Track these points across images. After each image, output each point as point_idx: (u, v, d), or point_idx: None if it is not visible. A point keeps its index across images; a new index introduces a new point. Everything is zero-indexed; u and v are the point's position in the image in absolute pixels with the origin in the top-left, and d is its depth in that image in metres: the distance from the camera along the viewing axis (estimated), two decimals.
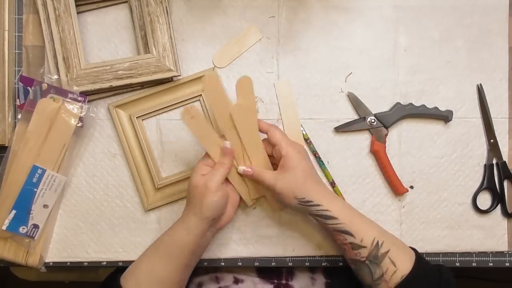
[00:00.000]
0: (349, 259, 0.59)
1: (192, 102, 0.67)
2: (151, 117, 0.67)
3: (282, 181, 0.58)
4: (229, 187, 0.63)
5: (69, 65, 0.64)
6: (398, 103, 0.67)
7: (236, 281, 0.70)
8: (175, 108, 0.67)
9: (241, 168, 0.61)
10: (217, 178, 0.58)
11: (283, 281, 0.70)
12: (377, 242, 0.56)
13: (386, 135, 0.67)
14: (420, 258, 0.57)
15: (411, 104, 0.67)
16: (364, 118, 0.67)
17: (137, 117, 0.66)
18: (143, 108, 0.66)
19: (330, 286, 0.71)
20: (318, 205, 0.57)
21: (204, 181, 0.58)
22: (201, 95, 0.67)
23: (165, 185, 0.66)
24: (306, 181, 0.57)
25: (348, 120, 0.68)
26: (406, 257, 0.56)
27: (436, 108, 0.67)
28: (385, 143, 0.67)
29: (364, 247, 0.56)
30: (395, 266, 0.55)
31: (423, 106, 0.67)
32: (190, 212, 0.58)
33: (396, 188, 0.66)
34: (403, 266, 0.55)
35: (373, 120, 0.67)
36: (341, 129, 0.67)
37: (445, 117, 0.67)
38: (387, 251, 0.56)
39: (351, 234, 0.57)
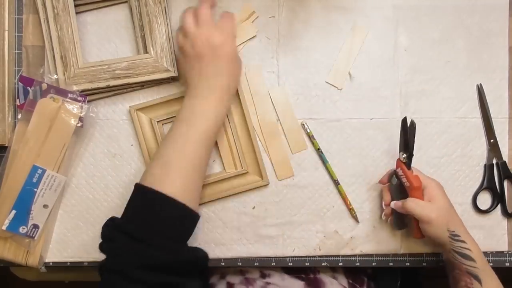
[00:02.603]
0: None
1: None
2: (172, 122, 0.65)
3: (438, 211, 0.56)
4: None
5: (67, 64, 0.64)
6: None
7: (263, 275, 0.70)
8: None
9: (393, 202, 0.62)
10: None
11: (311, 275, 0.70)
12: (487, 260, 0.56)
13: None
14: None
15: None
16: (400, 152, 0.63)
17: (157, 121, 0.66)
18: (164, 112, 0.66)
19: (352, 287, 0.71)
20: (464, 242, 0.55)
21: (234, 46, 0.59)
22: None
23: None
24: (452, 211, 0.57)
25: (348, 120, 0.68)
26: (494, 284, 0.56)
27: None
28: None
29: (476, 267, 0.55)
30: None
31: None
32: (228, 88, 0.58)
33: (415, 232, 0.62)
34: None
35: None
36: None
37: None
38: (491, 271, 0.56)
39: (480, 282, 0.54)
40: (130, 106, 0.66)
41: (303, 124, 0.67)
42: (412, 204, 0.58)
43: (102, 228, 0.55)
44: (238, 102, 0.66)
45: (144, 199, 0.54)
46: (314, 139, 0.67)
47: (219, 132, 0.65)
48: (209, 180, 0.66)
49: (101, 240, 0.54)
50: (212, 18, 0.59)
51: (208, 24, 0.58)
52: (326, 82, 0.67)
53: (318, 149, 0.67)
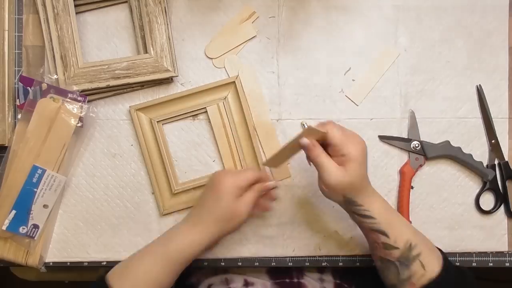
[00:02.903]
0: (377, 257, 0.58)
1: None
2: (171, 122, 0.67)
3: (340, 179, 0.55)
4: None
5: (67, 64, 0.64)
6: (448, 141, 0.67)
7: (246, 284, 0.70)
8: (196, 114, 0.67)
9: (305, 141, 0.56)
10: (250, 206, 0.60)
11: (295, 280, 0.70)
12: (410, 244, 0.55)
13: (422, 165, 0.67)
14: (446, 260, 0.56)
15: (459, 148, 0.67)
16: (410, 140, 0.67)
17: (157, 121, 0.66)
18: (164, 112, 0.66)
19: (339, 286, 0.71)
20: (361, 205, 0.56)
21: (243, 209, 0.59)
22: (222, 103, 0.66)
23: (182, 191, 0.66)
24: (360, 186, 0.56)
25: (348, 120, 0.68)
26: (435, 260, 0.55)
27: (481, 162, 0.67)
28: (416, 171, 0.67)
29: (397, 248, 0.55)
30: (424, 269, 0.54)
31: (470, 155, 0.67)
32: (211, 229, 0.59)
33: (402, 215, 0.66)
34: (432, 269, 0.55)
35: (417, 145, 0.67)
36: (385, 139, 0.67)
37: (484, 174, 0.67)
38: (419, 254, 0.55)
39: (386, 235, 0.56)
40: (130, 106, 0.66)
41: (303, 124, 0.67)
42: (323, 162, 0.55)
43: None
44: (238, 103, 0.67)
45: None
46: None
47: (219, 132, 0.66)
48: (198, 183, 0.66)
49: None
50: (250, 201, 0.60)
51: (248, 200, 0.60)
52: (345, 96, 0.68)
53: None
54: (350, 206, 0.57)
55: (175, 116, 0.66)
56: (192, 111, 0.66)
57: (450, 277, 0.55)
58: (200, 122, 0.67)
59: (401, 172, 0.67)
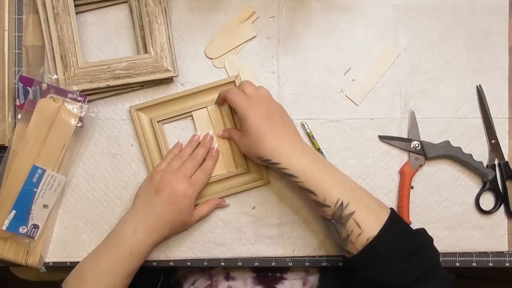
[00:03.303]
0: (320, 216, 0.59)
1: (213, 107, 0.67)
2: (171, 122, 0.67)
3: (242, 142, 0.60)
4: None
5: (67, 64, 0.64)
6: (448, 141, 0.67)
7: (227, 278, 0.72)
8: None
9: (220, 133, 0.66)
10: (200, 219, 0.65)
11: (278, 274, 0.71)
12: (342, 203, 0.54)
13: (422, 165, 0.67)
14: (392, 220, 0.54)
15: (459, 148, 0.67)
16: (410, 140, 0.67)
17: (158, 121, 0.66)
18: (164, 112, 0.66)
19: (323, 277, 0.71)
20: (277, 163, 0.57)
21: (194, 221, 0.64)
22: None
23: None
24: (264, 141, 0.57)
25: (347, 120, 0.68)
26: (374, 219, 0.54)
27: (481, 163, 0.67)
28: (416, 171, 0.67)
29: (328, 206, 0.55)
30: (360, 228, 0.53)
31: (470, 155, 0.67)
32: (163, 235, 0.61)
33: (402, 215, 0.66)
34: (370, 228, 0.53)
35: (417, 145, 0.67)
36: (385, 139, 0.67)
37: (484, 174, 0.67)
38: (352, 213, 0.54)
39: (312, 192, 0.56)
40: (130, 106, 0.66)
41: (303, 124, 0.67)
42: (230, 134, 0.65)
43: None
44: None
45: None
46: (314, 139, 0.67)
47: (219, 132, 0.66)
48: (210, 179, 0.66)
49: None
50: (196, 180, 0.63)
51: (185, 176, 0.62)
52: (345, 96, 0.68)
53: (318, 149, 0.67)
54: (270, 165, 0.58)
55: (175, 116, 0.66)
56: (192, 111, 0.66)
57: (392, 236, 0.54)
58: None
59: (401, 172, 0.67)
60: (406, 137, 0.68)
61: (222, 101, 0.64)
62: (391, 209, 0.57)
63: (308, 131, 0.67)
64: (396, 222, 0.55)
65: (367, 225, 0.53)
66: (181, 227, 0.64)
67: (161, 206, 0.60)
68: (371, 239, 0.53)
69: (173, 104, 0.66)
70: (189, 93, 0.66)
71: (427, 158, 0.67)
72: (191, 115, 0.67)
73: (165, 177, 0.61)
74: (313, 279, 0.72)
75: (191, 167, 0.63)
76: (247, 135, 0.58)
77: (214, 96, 0.66)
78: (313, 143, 0.67)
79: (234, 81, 0.66)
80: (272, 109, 0.60)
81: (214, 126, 0.66)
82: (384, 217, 0.54)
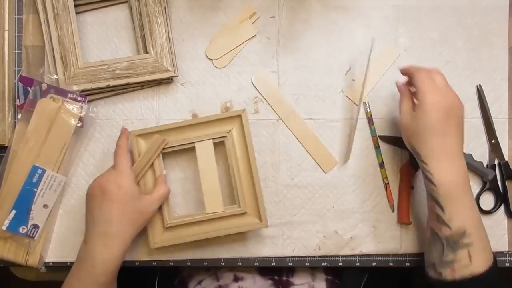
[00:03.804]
0: (429, 226, 0.57)
1: (218, 141, 0.63)
2: (170, 151, 0.64)
3: (408, 120, 0.56)
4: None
5: (67, 64, 0.64)
6: None
7: (236, 279, 0.70)
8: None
9: (399, 83, 0.61)
10: (160, 202, 0.61)
11: (284, 278, 0.70)
12: (465, 231, 0.53)
13: None
14: (495, 265, 0.55)
15: None
16: None
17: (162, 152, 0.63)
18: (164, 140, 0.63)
19: (331, 282, 0.71)
20: (425, 163, 0.55)
21: (154, 206, 0.60)
22: (226, 136, 0.63)
23: (175, 225, 0.63)
24: (426, 135, 0.55)
25: (348, 120, 0.68)
26: (484, 258, 0.54)
27: (481, 163, 0.67)
28: (416, 171, 0.66)
29: (449, 227, 0.54)
30: (470, 261, 0.53)
31: (470, 155, 0.67)
32: (128, 237, 0.57)
33: (401, 215, 0.66)
34: (478, 265, 0.53)
35: None
36: (385, 139, 0.67)
37: (484, 174, 0.67)
38: (469, 244, 0.53)
39: (441, 208, 0.54)
40: (130, 132, 0.63)
41: (365, 103, 0.67)
42: (402, 104, 0.59)
43: None
44: (243, 140, 0.63)
45: None
46: (373, 124, 0.67)
47: (213, 173, 0.63)
48: (206, 217, 0.63)
49: None
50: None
51: (109, 171, 0.59)
52: (346, 96, 0.68)
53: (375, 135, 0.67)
54: (416, 157, 0.56)
55: (177, 146, 0.63)
56: (196, 142, 0.63)
57: (492, 281, 0.54)
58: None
59: (401, 172, 0.67)
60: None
61: (406, 73, 0.60)
62: (494, 254, 0.57)
63: (368, 110, 0.67)
64: (496, 269, 0.55)
65: (478, 261, 0.53)
66: (141, 218, 0.59)
67: (102, 209, 0.57)
68: (475, 275, 0.53)
69: (173, 132, 0.63)
70: (193, 123, 0.63)
71: None
72: (194, 146, 0.63)
73: (92, 184, 0.58)
74: (319, 285, 0.72)
75: (114, 160, 0.60)
76: (417, 119, 0.55)
77: (219, 128, 0.63)
78: (370, 129, 0.67)
79: (240, 115, 0.62)
80: (454, 108, 0.56)
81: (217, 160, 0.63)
82: (490, 257, 0.55)
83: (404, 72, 0.61)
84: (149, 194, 0.60)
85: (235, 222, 0.63)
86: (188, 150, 0.65)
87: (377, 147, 0.67)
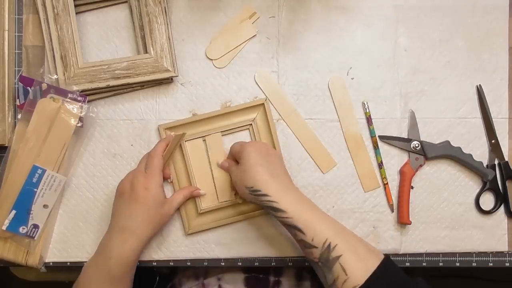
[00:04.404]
0: (306, 259, 0.56)
1: (242, 130, 0.67)
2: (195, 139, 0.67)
3: (236, 171, 0.60)
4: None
5: (67, 64, 0.64)
6: (447, 141, 0.67)
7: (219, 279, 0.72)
8: (224, 135, 0.67)
9: (220, 162, 0.66)
10: (177, 208, 0.64)
11: (271, 278, 0.71)
12: (329, 244, 0.51)
13: (422, 165, 0.67)
14: (382, 268, 0.50)
15: (459, 148, 0.67)
16: (410, 140, 0.67)
17: (186, 141, 0.66)
18: (193, 132, 0.66)
19: (315, 280, 0.72)
20: (266, 195, 0.55)
21: (172, 211, 0.63)
22: (251, 124, 0.66)
23: (208, 211, 0.66)
24: (256, 170, 0.56)
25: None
26: (361, 265, 0.50)
27: (481, 163, 0.67)
28: (416, 171, 0.67)
29: (315, 247, 0.52)
30: (346, 275, 0.49)
31: (470, 155, 0.67)
32: (144, 236, 0.60)
33: (401, 215, 0.66)
34: (356, 275, 0.49)
35: (417, 145, 0.67)
36: (385, 139, 0.67)
37: (484, 174, 0.67)
38: (339, 256, 0.50)
39: (300, 231, 0.53)
40: (159, 125, 0.66)
41: (364, 103, 0.67)
42: (228, 166, 0.64)
43: None
44: (267, 128, 0.66)
45: None
46: (372, 124, 0.67)
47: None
48: (234, 202, 0.66)
49: None
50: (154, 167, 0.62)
51: (140, 171, 0.62)
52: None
53: (373, 134, 0.68)
54: (257, 197, 0.56)
55: (203, 137, 0.66)
56: (218, 132, 0.66)
57: (376, 286, 0.49)
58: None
59: (401, 172, 0.67)
60: (406, 137, 0.68)
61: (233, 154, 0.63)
62: (385, 255, 0.53)
63: (367, 110, 0.67)
64: (386, 271, 0.51)
65: (354, 272, 0.49)
66: (161, 221, 0.62)
67: (127, 206, 0.60)
68: (357, 287, 0.49)
69: (201, 124, 0.66)
70: (218, 114, 0.66)
71: (427, 158, 0.67)
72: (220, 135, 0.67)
73: (124, 180, 0.62)
74: (306, 284, 0.72)
75: (146, 162, 0.62)
76: (241, 164, 0.58)
77: (243, 117, 0.67)
78: (370, 129, 0.67)
79: (263, 104, 0.66)
80: (271, 150, 0.61)
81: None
82: (374, 264, 0.50)
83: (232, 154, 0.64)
84: (170, 200, 0.63)
85: (234, 212, 0.67)
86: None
87: (376, 147, 0.67)
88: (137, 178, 0.60)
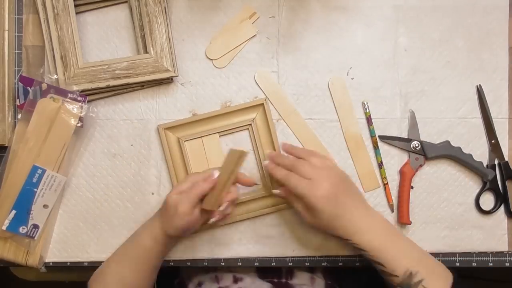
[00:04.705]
0: (385, 282, 0.59)
1: (241, 130, 0.67)
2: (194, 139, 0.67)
3: (314, 222, 0.58)
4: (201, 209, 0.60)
5: (67, 64, 0.64)
6: (447, 141, 0.67)
7: (236, 280, 0.70)
8: (224, 135, 0.67)
9: (276, 191, 0.61)
10: (189, 202, 0.57)
11: (283, 280, 0.70)
12: (410, 272, 0.55)
13: (422, 165, 0.67)
14: (456, 284, 0.56)
15: (459, 148, 0.67)
16: (410, 140, 0.67)
17: (185, 141, 0.66)
18: (192, 132, 0.66)
19: (331, 287, 0.71)
20: (348, 239, 0.57)
21: (176, 203, 0.57)
22: (251, 124, 0.66)
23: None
24: (333, 224, 0.57)
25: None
26: (442, 283, 0.56)
27: (481, 163, 0.67)
28: (416, 171, 0.67)
29: (396, 276, 0.56)
30: None
31: (470, 155, 0.67)
32: (158, 224, 0.61)
33: (401, 215, 0.66)
34: None
35: (417, 145, 0.67)
36: (385, 139, 0.67)
37: (484, 174, 0.67)
38: (421, 281, 0.55)
39: (382, 265, 0.56)
40: (158, 125, 0.66)
41: (364, 103, 0.67)
42: (282, 194, 0.61)
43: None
44: (266, 127, 0.66)
45: None
46: (372, 124, 0.67)
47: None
48: (242, 199, 0.66)
49: None
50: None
51: (178, 189, 0.59)
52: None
53: (373, 135, 0.68)
54: (341, 239, 0.58)
55: (203, 136, 0.66)
56: (217, 132, 0.66)
57: None
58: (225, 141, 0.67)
59: (401, 172, 0.67)
60: (406, 137, 0.68)
61: (283, 188, 0.61)
62: (453, 272, 0.57)
63: (367, 110, 0.67)
64: (458, 284, 0.56)
65: None
66: (180, 231, 0.59)
67: (159, 212, 0.62)
68: None
69: (201, 124, 0.66)
70: (218, 114, 0.66)
71: (427, 158, 0.67)
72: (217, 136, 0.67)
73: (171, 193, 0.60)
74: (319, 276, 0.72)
75: (198, 190, 0.59)
76: (317, 217, 0.57)
77: (243, 117, 0.66)
78: (370, 129, 0.67)
79: (263, 104, 0.66)
80: (337, 184, 0.58)
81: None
82: (449, 281, 0.56)
83: (286, 150, 0.63)
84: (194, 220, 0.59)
85: (268, 202, 0.67)
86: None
87: (376, 147, 0.67)
88: (171, 194, 0.59)
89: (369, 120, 0.67)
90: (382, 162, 0.67)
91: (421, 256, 0.59)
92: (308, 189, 0.56)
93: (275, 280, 0.70)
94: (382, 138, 0.68)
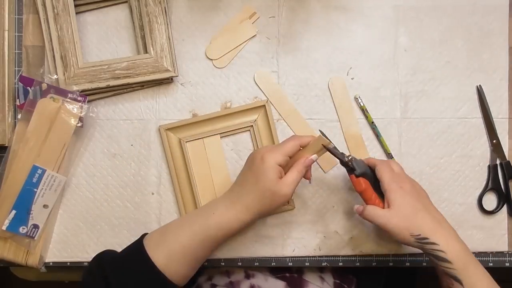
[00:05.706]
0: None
1: (243, 132, 0.67)
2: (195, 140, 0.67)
3: (392, 218, 0.55)
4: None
5: (67, 64, 0.64)
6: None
7: (247, 276, 0.70)
8: (225, 136, 0.67)
9: (356, 206, 0.60)
10: (294, 187, 0.56)
11: (295, 275, 0.71)
12: None
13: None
14: None
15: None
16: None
17: (186, 142, 0.66)
18: (194, 133, 0.66)
19: (339, 286, 0.71)
20: (434, 243, 0.53)
21: (287, 190, 0.56)
22: (252, 126, 0.66)
23: None
24: (417, 216, 0.55)
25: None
26: None
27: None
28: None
29: None
30: None
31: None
32: (251, 207, 0.57)
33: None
34: None
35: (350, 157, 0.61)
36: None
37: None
38: None
39: (461, 283, 0.53)
40: (160, 126, 0.66)
41: (357, 98, 0.67)
42: (370, 213, 0.57)
43: (95, 257, 0.60)
44: (268, 128, 0.66)
45: (137, 253, 0.57)
46: (368, 112, 0.67)
47: (223, 166, 0.65)
48: None
49: (88, 266, 0.60)
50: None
51: (266, 147, 0.59)
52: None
53: (372, 122, 0.67)
54: (423, 245, 0.54)
55: (204, 138, 0.66)
56: (219, 133, 0.67)
57: None
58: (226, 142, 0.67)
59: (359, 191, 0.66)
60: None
61: (368, 162, 0.61)
62: None
63: (362, 104, 0.67)
64: None
65: None
66: (271, 197, 0.56)
67: (243, 174, 0.59)
68: None
69: (202, 125, 0.66)
70: (220, 115, 0.66)
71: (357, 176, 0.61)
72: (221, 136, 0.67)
73: (257, 150, 0.59)
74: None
75: (295, 173, 0.58)
76: (397, 210, 0.55)
77: (245, 119, 0.66)
78: (367, 117, 0.67)
79: (264, 105, 0.66)
80: (418, 187, 0.59)
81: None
82: None
83: (367, 161, 0.61)
84: (284, 178, 0.57)
85: None
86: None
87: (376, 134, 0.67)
88: (262, 148, 0.58)
89: (365, 112, 0.67)
90: (391, 154, 0.67)
91: (491, 279, 0.55)
92: (394, 176, 0.57)
93: (287, 275, 0.70)
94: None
